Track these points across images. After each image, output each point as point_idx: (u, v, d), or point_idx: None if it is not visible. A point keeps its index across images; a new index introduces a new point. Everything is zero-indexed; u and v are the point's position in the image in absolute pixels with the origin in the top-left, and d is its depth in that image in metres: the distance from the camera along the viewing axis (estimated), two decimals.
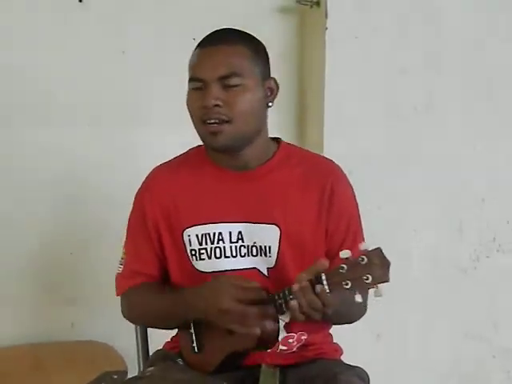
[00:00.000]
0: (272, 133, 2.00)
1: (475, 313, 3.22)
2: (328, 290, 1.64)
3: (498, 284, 3.23)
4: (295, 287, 1.68)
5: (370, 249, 1.60)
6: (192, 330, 1.92)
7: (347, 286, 1.60)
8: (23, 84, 2.64)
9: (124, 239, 2.04)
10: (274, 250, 1.90)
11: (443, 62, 3.02)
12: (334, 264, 1.67)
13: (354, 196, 2.01)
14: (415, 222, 3.06)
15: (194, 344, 1.91)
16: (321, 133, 2.83)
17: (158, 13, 2.76)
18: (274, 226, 1.90)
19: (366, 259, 1.59)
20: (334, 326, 2.05)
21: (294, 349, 1.95)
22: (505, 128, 3.16)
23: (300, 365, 1.94)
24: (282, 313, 1.76)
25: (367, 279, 1.58)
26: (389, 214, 2.95)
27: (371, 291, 1.61)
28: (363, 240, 1.93)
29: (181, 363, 1.94)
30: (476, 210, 3.17)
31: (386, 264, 1.59)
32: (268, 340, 1.83)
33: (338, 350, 2.07)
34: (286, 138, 2.05)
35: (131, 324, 2.13)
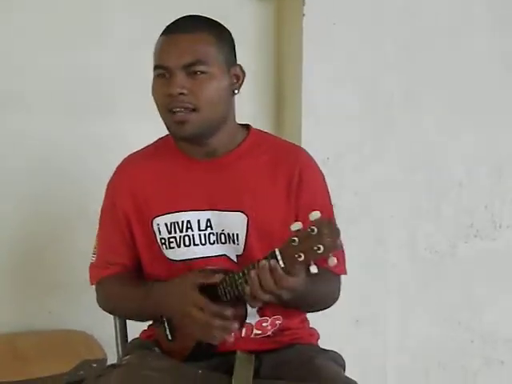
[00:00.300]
0: (249, 121, 2.00)
1: (453, 298, 3.24)
2: (283, 265, 1.60)
3: (475, 269, 3.25)
4: (251, 265, 1.67)
5: (319, 218, 1.56)
6: (164, 318, 1.91)
7: (300, 259, 1.56)
8: None
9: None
10: (242, 237, 1.89)
11: (420, 49, 3.03)
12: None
13: (325, 182, 2.01)
14: (392, 208, 3.07)
15: (168, 332, 1.91)
16: (298, 121, 2.83)
17: (134, 2, 2.75)
18: (241, 213, 1.89)
19: (316, 229, 1.54)
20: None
21: (269, 333, 1.95)
22: (481, 114, 3.18)
23: (275, 350, 1.94)
24: (244, 292, 1.72)
25: (319, 249, 1.54)
26: (366, 201, 2.96)
27: (328, 261, 1.56)
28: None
29: (157, 351, 1.94)
30: (453, 195, 3.19)
31: (336, 232, 1.56)
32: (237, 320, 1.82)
33: (313, 334, 2.06)
34: (263, 127, 2.05)
35: None
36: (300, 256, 1.56)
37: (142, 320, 2.03)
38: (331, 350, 2.00)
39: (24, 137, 2.66)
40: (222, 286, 1.74)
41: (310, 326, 2.08)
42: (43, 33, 2.65)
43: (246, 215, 1.89)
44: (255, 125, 2.01)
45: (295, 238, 1.57)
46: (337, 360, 1.97)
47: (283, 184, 1.91)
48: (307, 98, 2.81)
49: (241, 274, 1.71)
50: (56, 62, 2.66)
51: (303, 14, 2.80)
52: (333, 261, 1.55)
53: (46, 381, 2.32)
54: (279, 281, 1.62)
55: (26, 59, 2.64)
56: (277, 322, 1.95)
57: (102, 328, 2.39)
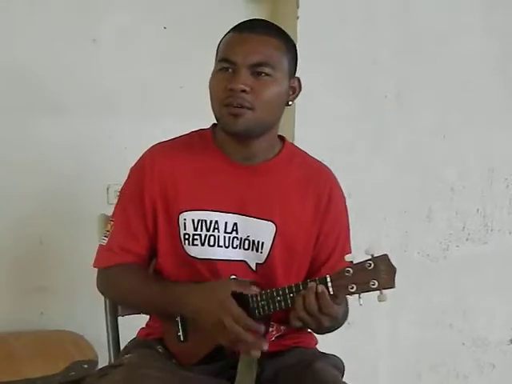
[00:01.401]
0: None
1: (445, 301, 3.25)
2: (332, 292, 1.65)
3: (467, 273, 3.26)
4: (301, 286, 1.69)
5: (376, 255, 1.62)
6: (178, 319, 1.88)
7: (352, 290, 1.62)
8: None
9: (99, 223, 2.02)
10: (267, 246, 1.90)
11: (414, 51, 3.04)
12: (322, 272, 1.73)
13: (346, 206, 2.04)
14: (384, 211, 3.08)
15: (180, 333, 1.88)
16: (292, 121, 2.83)
17: (130, 1, 2.75)
18: (270, 222, 1.90)
19: (372, 264, 1.61)
20: None
21: (273, 338, 1.95)
22: (474, 117, 3.19)
23: (277, 354, 1.94)
24: (277, 310, 1.75)
25: (373, 284, 1.61)
26: (359, 202, 2.96)
27: (375, 295, 1.63)
28: (350, 251, 1.97)
29: (160, 350, 1.92)
30: (445, 199, 3.20)
31: (392, 271, 1.62)
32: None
33: (313, 338, 2.07)
34: None
35: (101, 313, 2.11)
36: (352, 287, 1.63)
37: (149, 314, 2.01)
38: (332, 355, 2.01)
39: (20, 138, 2.66)
40: (256, 299, 1.75)
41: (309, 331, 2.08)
42: (40, 34, 2.64)
43: (275, 225, 1.89)
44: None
45: (350, 269, 1.63)
46: (336, 364, 1.98)
47: (312, 202, 1.93)
48: (300, 99, 2.80)
49: (280, 292, 1.73)
50: (51, 62, 2.66)
51: (297, 17, 2.80)
52: (383, 298, 1.61)
53: (37, 381, 2.32)
54: (324, 307, 1.66)
55: (24, 61, 2.64)
56: (281, 327, 1.96)
57: (94, 329, 2.39)
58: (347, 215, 2.04)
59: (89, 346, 2.56)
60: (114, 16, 2.72)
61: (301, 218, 1.92)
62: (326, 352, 2.03)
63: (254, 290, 1.76)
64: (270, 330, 1.92)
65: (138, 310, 2.02)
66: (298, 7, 2.80)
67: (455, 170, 3.19)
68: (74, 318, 2.70)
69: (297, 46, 2.50)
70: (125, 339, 2.10)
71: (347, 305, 1.97)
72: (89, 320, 2.47)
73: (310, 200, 1.93)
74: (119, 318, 2.13)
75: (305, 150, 2.06)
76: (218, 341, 1.75)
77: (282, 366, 1.92)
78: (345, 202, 2.03)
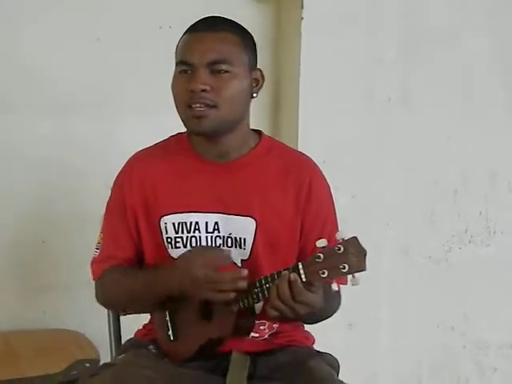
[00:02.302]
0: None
1: (447, 304, 3.25)
2: (304, 279, 1.64)
3: (469, 275, 3.25)
4: (276, 275, 1.69)
5: (346, 238, 1.60)
6: (167, 318, 1.91)
7: (324, 275, 1.61)
8: None
9: (100, 225, 2.03)
10: (249, 242, 1.90)
11: (418, 52, 3.04)
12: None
13: (331, 194, 2.02)
14: (388, 212, 3.08)
15: (170, 332, 1.91)
16: (296, 122, 2.83)
17: (133, 1, 2.75)
18: (250, 218, 1.90)
19: (342, 248, 1.59)
20: None
21: (266, 336, 1.95)
22: (478, 119, 3.18)
23: (270, 352, 1.95)
24: (257, 302, 1.76)
25: (344, 268, 1.58)
26: (362, 204, 2.96)
27: (348, 280, 1.61)
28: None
29: (153, 351, 1.94)
30: (448, 201, 3.19)
31: (362, 253, 1.59)
32: (243, 327, 1.84)
33: (309, 337, 2.07)
34: (260, 128, 2.05)
35: (103, 312, 2.12)
36: (324, 272, 1.61)
37: (143, 309, 2.02)
38: (326, 353, 2.01)
39: (24, 137, 2.66)
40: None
41: (305, 329, 2.08)
42: (41, 31, 2.64)
43: (255, 220, 1.89)
44: (252, 126, 2.01)
45: (320, 255, 1.62)
46: (331, 362, 1.98)
47: (292, 193, 1.92)
48: (304, 100, 2.81)
49: (257, 284, 1.74)
50: (55, 61, 2.66)
51: (302, 18, 2.80)
52: (356, 282, 1.60)
53: (38, 380, 2.32)
54: (297, 294, 1.65)
55: (24, 58, 2.63)
56: (274, 325, 1.96)
57: (96, 328, 2.39)
58: (332, 203, 2.02)
59: (91, 345, 2.56)
60: (117, 15, 2.72)
61: (282, 210, 1.91)
62: (322, 351, 2.03)
63: (227, 254, 1.81)
64: (262, 328, 1.94)
65: (133, 309, 2.03)
66: (302, 8, 2.80)
67: (458, 173, 3.19)
68: (76, 317, 2.70)
69: (301, 46, 2.50)
70: (127, 338, 2.10)
71: (339, 295, 1.94)
72: (91, 319, 2.47)
73: (290, 191, 1.92)
74: (121, 317, 2.14)
75: (286, 144, 2.06)
76: (205, 297, 1.77)
77: (276, 363, 1.92)
78: (329, 192, 2.01)
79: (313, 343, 2.08)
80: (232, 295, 1.74)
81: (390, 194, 3.06)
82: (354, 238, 1.60)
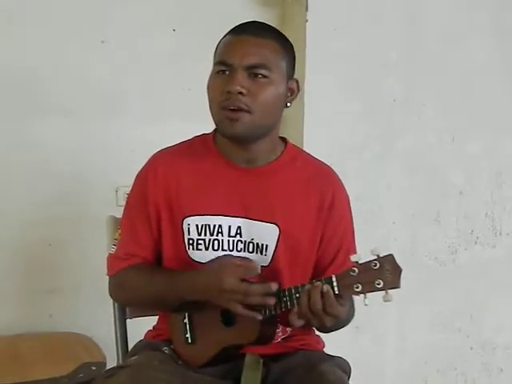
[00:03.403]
0: None
1: (453, 305, 3.25)
2: (337, 291, 1.65)
3: (475, 276, 3.25)
4: (307, 285, 1.70)
5: (381, 255, 1.62)
6: (186, 320, 1.91)
7: (357, 289, 1.62)
8: None
9: (107, 227, 2.03)
10: (271, 249, 1.90)
11: (421, 54, 3.04)
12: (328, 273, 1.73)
13: (350, 206, 2.03)
14: (393, 214, 3.08)
15: (188, 335, 1.90)
16: (301, 124, 2.83)
17: (139, 3, 2.75)
18: (273, 225, 1.90)
19: (378, 264, 1.61)
20: None
21: (279, 340, 1.95)
22: (482, 120, 3.18)
23: (283, 355, 1.95)
24: (286, 311, 1.76)
25: (379, 284, 1.60)
26: (367, 205, 2.96)
27: (380, 295, 1.62)
28: (355, 250, 1.98)
29: (167, 352, 1.93)
30: (454, 202, 3.19)
31: (398, 270, 1.61)
32: (266, 336, 1.83)
33: (319, 341, 2.07)
34: None
35: (110, 315, 2.12)
36: (358, 287, 1.63)
37: (161, 309, 2.01)
38: (337, 356, 2.01)
39: (27, 141, 2.66)
40: None
41: (316, 333, 2.08)
42: (46, 33, 2.65)
43: (279, 228, 1.90)
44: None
45: (355, 269, 1.64)
46: (342, 366, 1.97)
47: (315, 203, 1.93)
48: (309, 101, 2.81)
49: (286, 293, 1.75)
50: (60, 64, 2.66)
51: (306, 20, 2.80)
52: (389, 298, 1.61)
53: (45, 383, 2.32)
54: (329, 306, 1.66)
55: (30, 61, 2.64)
56: (287, 329, 1.96)
57: (102, 331, 2.40)
58: (351, 216, 2.03)
59: (97, 348, 2.56)
60: (122, 17, 2.73)
61: (304, 219, 1.92)
62: (334, 355, 2.03)
63: (256, 266, 1.79)
64: (277, 331, 1.92)
65: (150, 308, 2.03)
66: (307, 10, 2.80)
67: (464, 174, 3.19)
68: (82, 320, 2.71)
69: (306, 49, 2.51)
70: (133, 341, 2.10)
71: (353, 306, 1.97)
72: (97, 322, 2.48)
73: (313, 201, 1.93)
74: (127, 320, 2.14)
75: (309, 152, 2.06)
76: (231, 308, 1.76)
77: (288, 367, 1.91)
78: (349, 203, 2.02)
79: (323, 347, 2.08)
80: (259, 316, 1.75)
81: (396, 196, 3.06)
82: (391, 256, 1.62)
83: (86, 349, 2.54)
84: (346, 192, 2.02)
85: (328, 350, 2.06)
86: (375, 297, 2.53)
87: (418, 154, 3.08)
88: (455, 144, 3.15)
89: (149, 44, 2.75)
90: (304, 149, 2.42)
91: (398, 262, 1.62)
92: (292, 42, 2.71)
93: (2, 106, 2.63)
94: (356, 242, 2.03)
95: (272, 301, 1.75)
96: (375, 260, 1.62)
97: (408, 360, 3.21)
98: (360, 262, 1.64)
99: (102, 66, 2.72)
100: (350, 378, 1.98)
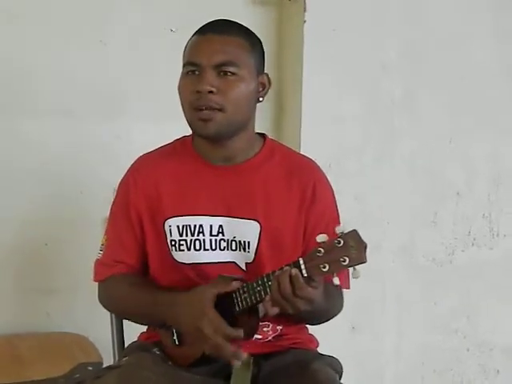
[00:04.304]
0: None
1: (450, 306, 3.25)
2: (305, 274, 1.64)
3: (472, 278, 3.25)
4: (277, 272, 1.69)
5: (345, 231, 1.60)
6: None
7: (325, 269, 1.61)
8: None
9: (104, 227, 2.04)
10: (253, 245, 1.90)
11: (421, 56, 3.04)
12: None
13: (334, 197, 2.02)
14: (390, 215, 3.08)
15: (175, 337, 1.90)
16: (298, 126, 2.83)
17: (139, 3, 2.75)
18: (254, 221, 1.90)
19: (342, 242, 1.59)
20: None
21: (270, 338, 1.96)
22: (481, 121, 3.18)
23: (274, 354, 1.95)
24: (261, 301, 1.75)
25: (344, 261, 1.58)
26: (364, 206, 2.96)
27: (350, 272, 1.62)
28: None
29: (157, 353, 1.93)
30: (451, 203, 3.19)
31: (362, 245, 1.59)
32: (247, 329, 1.81)
33: (312, 340, 2.07)
34: (263, 131, 2.05)
35: (106, 315, 2.12)
36: (325, 266, 1.61)
37: (146, 324, 2.03)
38: (330, 356, 2.00)
39: (25, 141, 2.65)
40: (239, 293, 1.76)
41: (309, 332, 2.08)
42: (45, 33, 2.64)
43: (260, 224, 1.90)
44: (255, 129, 2.01)
45: (321, 249, 1.62)
46: (334, 365, 1.97)
47: (297, 196, 1.92)
48: (307, 103, 2.81)
49: (259, 282, 1.74)
50: (59, 63, 2.66)
51: (304, 21, 2.80)
52: (357, 274, 1.60)
53: (41, 383, 2.32)
54: (299, 289, 1.65)
55: (29, 61, 2.64)
56: (277, 327, 1.96)
57: (99, 331, 2.40)
58: (336, 207, 2.02)
59: (94, 348, 2.56)
60: (121, 18, 2.73)
61: (286, 213, 1.92)
62: (326, 354, 2.03)
63: (234, 285, 1.76)
64: (266, 329, 1.94)
65: (135, 321, 2.04)
66: (305, 11, 2.80)
67: (461, 175, 3.19)
68: (79, 320, 2.70)
69: (303, 49, 2.51)
70: (129, 341, 2.11)
71: (342, 296, 1.97)
72: (94, 322, 2.47)
73: (295, 194, 1.93)
74: (124, 320, 2.14)
75: (305, 153, 2.07)
76: (202, 348, 1.78)
77: (279, 366, 1.92)
78: (333, 194, 2.02)
79: (317, 346, 2.08)
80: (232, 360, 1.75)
81: (394, 197, 3.06)
82: (354, 231, 1.60)
83: (82, 349, 2.54)
84: (328, 183, 2.02)
85: (324, 350, 2.06)
86: (374, 298, 2.53)
87: (416, 155, 3.08)
88: (453, 145, 3.15)
89: (148, 44, 2.75)
90: (302, 151, 2.43)
91: (362, 236, 1.60)
92: (290, 43, 2.72)
93: (0, 105, 2.63)
94: None
95: (243, 355, 1.75)
96: (339, 238, 1.60)
97: (405, 360, 3.20)
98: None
99: (101, 66, 2.72)
100: (345, 378, 1.97)
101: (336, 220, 2.00)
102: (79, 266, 2.66)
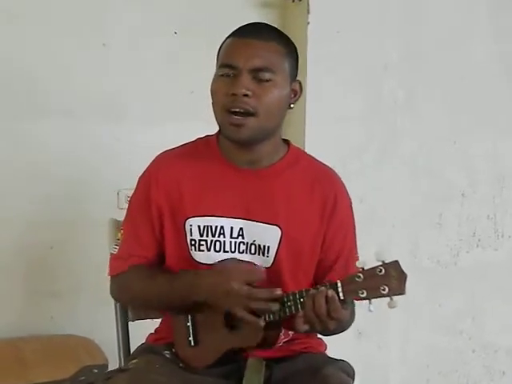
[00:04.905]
0: None
1: (455, 308, 3.24)
2: (342, 297, 1.66)
3: (477, 279, 3.25)
4: (312, 290, 1.70)
5: (387, 260, 1.63)
6: (189, 323, 1.90)
7: (362, 295, 1.63)
8: None
9: (109, 228, 2.04)
10: (273, 250, 1.90)
11: (423, 55, 3.04)
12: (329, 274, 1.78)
13: (352, 208, 2.03)
14: (395, 216, 3.07)
15: (191, 337, 1.90)
16: (302, 127, 2.83)
17: (140, 5, 2.75)
18: (275, 227, 1.90)
19: (383, 270, 1.62)
20: None
21: (281, 343, 1.95)
22: (484, 122, 3.18)
23: (286, 358, 1.95)
24: (290, 316, 1.76)
25: (384, 290, 1.61)
26: (368, 208, 2.96)
27: (385, 301, 1.63)
28: (357, 253, 1.99)
29: (167, 356, 1.93)
30: (456, 205, 3.19)
31: (403, 277, 1.63)
32: (269, 340, 1.83)
33: (321, 344, 2.07)
34: None
35: (112, 317, 2.12)
36: (363, 292, 1.64)
37: (163, 310, 2.01)
38: (341, 360, 2.00)
39: (27, 143, 2.65)
40: None
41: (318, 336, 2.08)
42: (45, 33, 2.64)
43: (281, 229, 1.90)
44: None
45: (360, 275, 1.64)
46: (346, 370, 1.97)
47: (318, 205, 1.93)
48: (311, 104, 2.81)
49: (290, 297, 1.75)
50: (60, 63, 2.66)
51: (308, 22, 2.81)
52: (394, 304, 1.62)
53: None
54: (333, 311, 1.67)
55: (29, 61, 2.64)
56: (289, 332, 1.95)
57: (104, 333, 2.39)
58: (353, 219, 2.03)
59: (99, 351, 2.56)
60: (122, 18, 2.72)
61: (306, 221, 1.92)
62: (337, 358, 2.03)
63: (261, 272, 1.80)
64: (280, 335, 1.91)
65: (153, 309, 2.04)
66: (308, 13, 2.80)
67: (466, 176, 3.19)
68: (84, 323, 2.70)
69: (307, 51, 2.51)
70: (135, 344, 2.11)
71: (354, 308, 1.97)
72: (99, 325, 2.47)
73: (316, 204, 1.93)
74: (129, 322, 2.14)
75: (311, 154, 2.06)
76: (234, 312, 1.77)
77: (291, 370, 1.92)
78: (351, 206, 2.03)
79: (325, 349, 2.08)
80: (262, 322, 1.76)
81: (398, 198, 3.06)
82: (396, 262, 1.63)
83: (87, 351, 2.54)
84: (348, 195, 2.02)
85: (331, 354, 2.06)
86: (378, 301, 2.53)
87: (419, 156, 3.08)
88: (457, 146, 3.15)
89: (150, 46, 2.75)
90: (306, 150, 2.42)
91: (403, 268, 1.62)
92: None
93: (2, 107, 2.63)
94: (358, 245, 2.03)
95: (276, 307, 1.75)
96: (381, 266, 1.62)
97: (411, 363, 3.20)
98: (365, 267, 1.64)
99: (103, 68, 2.71)
100: (354, 382, 1.97)
101: (353, 232, 2.02)
102: (84, 269, 2.67)
